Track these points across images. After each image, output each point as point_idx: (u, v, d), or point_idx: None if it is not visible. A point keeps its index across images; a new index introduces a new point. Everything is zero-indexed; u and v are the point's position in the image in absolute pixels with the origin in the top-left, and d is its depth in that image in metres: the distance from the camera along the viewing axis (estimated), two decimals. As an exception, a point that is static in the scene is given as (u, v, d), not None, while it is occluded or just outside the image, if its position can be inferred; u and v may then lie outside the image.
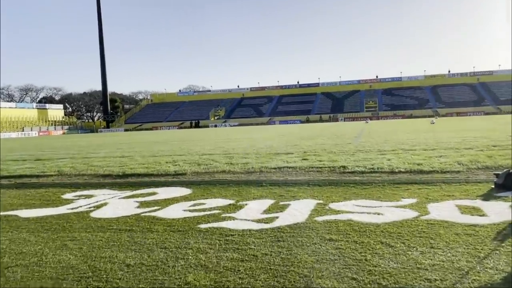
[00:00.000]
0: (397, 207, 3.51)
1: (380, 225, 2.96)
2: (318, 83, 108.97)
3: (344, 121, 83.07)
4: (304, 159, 6.46)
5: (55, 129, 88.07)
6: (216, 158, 7.37)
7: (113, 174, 6.24)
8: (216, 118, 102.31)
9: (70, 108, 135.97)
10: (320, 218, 3.24)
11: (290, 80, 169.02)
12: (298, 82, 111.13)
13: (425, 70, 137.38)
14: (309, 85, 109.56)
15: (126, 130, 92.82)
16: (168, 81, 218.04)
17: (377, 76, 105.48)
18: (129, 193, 4.95)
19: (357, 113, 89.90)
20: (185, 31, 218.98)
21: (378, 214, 3.30)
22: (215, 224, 3.21)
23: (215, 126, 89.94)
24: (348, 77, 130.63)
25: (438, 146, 7.65)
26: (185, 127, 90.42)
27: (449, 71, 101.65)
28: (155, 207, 4.01)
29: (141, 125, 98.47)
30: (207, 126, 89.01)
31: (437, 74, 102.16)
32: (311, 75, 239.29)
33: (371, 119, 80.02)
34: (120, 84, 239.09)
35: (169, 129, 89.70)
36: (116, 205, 4.27)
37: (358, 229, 2.89)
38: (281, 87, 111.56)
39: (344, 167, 5.51)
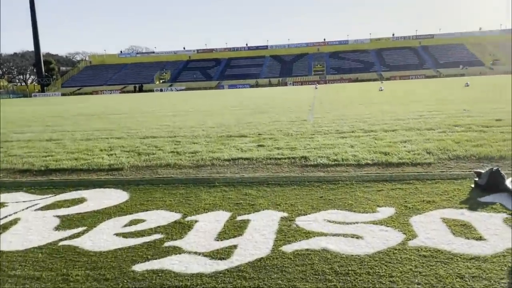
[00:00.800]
0: (375, 223, 2.96)
1: (363, 259, 2.38)
2: (267, 46, 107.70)
3: (293, 85, 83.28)
4: (260, 146, 5.79)
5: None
6: (160, 143, 6.49)
7: (33, 169, 5.20)
8: (161, 81, 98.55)
9: (0, 71, 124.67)
10: (288, 248, 2.61)
11: (239, 42, 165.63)
12: (247, 44, 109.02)
13: (370, 34, 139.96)
14: (257, 48, 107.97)
15: (63, 94, 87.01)
16: (108, 41, 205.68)
17: (324, 39, 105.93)
18: (49, 199, 4.03)
19: (305, 76, 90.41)
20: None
21: (357, 237, 2.72)
22: (155, 264, 2.47)
23: (161, 90, 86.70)
24: (297, 40, 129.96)
25: (398, 125, 7.29)
26: (128, 91, 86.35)
27: (393, 35, 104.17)
28: (79, 228, 3.17)
29: (79, 89, 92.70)
30: (151, 90, 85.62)
31: (382, 38, 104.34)
32: (260, 36, 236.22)
33: (318, 83, 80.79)
34: (55, 45, 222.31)
35: (110, 93, 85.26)
36: (30, 223, 3.37)
37: (338, 268, 2.30)
38: (230, 49, 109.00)
39: (305, 158, 4.91)
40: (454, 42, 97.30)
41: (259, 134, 6.88)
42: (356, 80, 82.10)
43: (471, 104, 10.70)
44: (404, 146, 5.26)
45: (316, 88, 35.16)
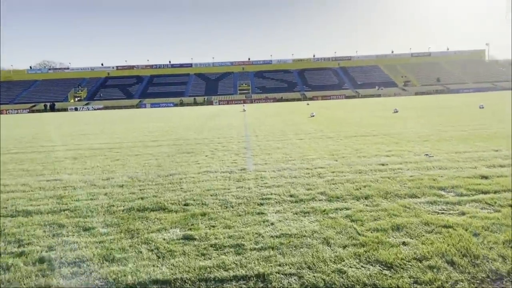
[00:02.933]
0: None
1: None
2: (191, 64, 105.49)
3: (219, 104, 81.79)
4: (189, 238, 3.75)
5: None
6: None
7: None
8: (76, 99, 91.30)
9: None
10: None
11: (161, 60, 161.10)
12: (170, 62, 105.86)
13: (293, 54, 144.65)
14: (181, 65, 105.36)
15: (-42, 114, 76.31)
16: (17, 55, 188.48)
17: (249, 58, 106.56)
18: None
19: (231, 95, 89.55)
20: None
21: None
22: None
23: (76, 109, 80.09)
24: (221, 59, 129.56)
25: (350, 169, 5.73)
26: (38, 111, 78.47)
27: (314, 56, 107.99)
28: None
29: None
30: (65, 109, 78.72)
31: (303, 58, 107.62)
32: (183, 55, 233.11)
33: (245, 102, 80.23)
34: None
35: (17, 112, 76.77)
36: None
37: None
38: (152, 66, 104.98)
39: (262, 277, 2.97)
40: (370, 64, 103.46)
41: (185, 205, 4.81)
42: (281, 100, 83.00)
43: (426, 143, 9.60)
44: (365, 205, 3.56)
45: (245, 110, 33.64)
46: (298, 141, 10.70)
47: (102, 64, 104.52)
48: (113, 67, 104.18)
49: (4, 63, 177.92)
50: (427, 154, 7.56)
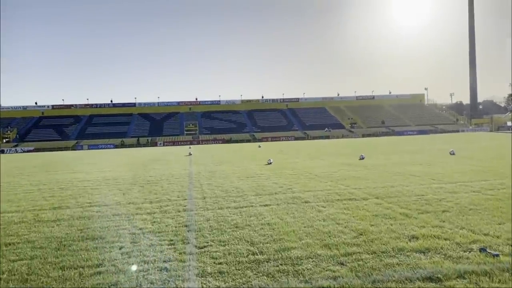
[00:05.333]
0: None
1: None
2: (134, 103, 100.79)
3: (164, 145, 77.27)
4: None
5: None
6: None
7: None
8: (4, 141, 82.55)
9: None
10: None
11: (102, 99, 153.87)
12: (111, 101, 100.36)
13: (241, 95, 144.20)
14: (124, 105, 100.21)
15: None
16: None
17: (196, 99, 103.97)
18: None
19: (177, 136, 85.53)
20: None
21: None
22: None
23: (2, 151, 71.75)
24: (167, 98, 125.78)
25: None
26: (-46, 154, 69.16)
27: (262, 97, 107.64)
28: None
29: None
30: (-11, 152, 70.11)
31: (252, 99, 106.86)
32: (126, 94, 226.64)
33: (191, 143, 76.40)
34: None
35: None
36: None
37: None
38: (91, 105, 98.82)
39: None
40: (317, 106, 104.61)
41: None
42: (230, 141, 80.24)
43: (446, 213, 6.76)
44: None
45: (191, 154, 30.07)
46: (263, 209, 7.43)
47: (36, 103, 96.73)
48: (48, 106, 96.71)
49: None
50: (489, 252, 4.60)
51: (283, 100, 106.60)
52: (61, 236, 5.88)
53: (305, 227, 5.95)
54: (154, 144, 78.28)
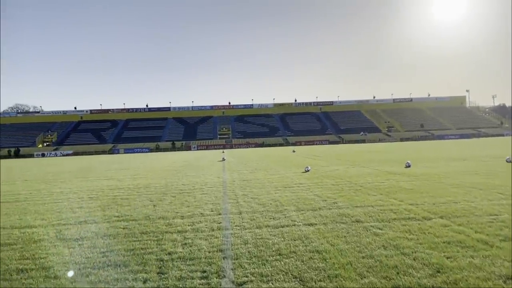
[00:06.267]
0: None
1: None
2: (169, 107, 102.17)
3: (197, 149, 77.59)
4: None
5: None
6: None
7: None
8: (45, 144, 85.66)
9: None
10: None
11: (138, 104, 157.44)
12: (147, 106, 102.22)
13: (274, 99, 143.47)
14: (159, 109, 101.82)
15: None
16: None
17: (229, 103, 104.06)
18: None
19: (210, 140, 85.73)
20: (11, 41, 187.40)
21: None
22: None
23: (43, 155, 74.42)
24: (201, 103, 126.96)
25: None
26: (1, 157, 72.32)
27: (295, 100, 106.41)
28: None
29: None
30: (31, 155, 72.95)
31: (285, 103, 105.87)
32: (161, 99, 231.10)
33: (224, 147, 76.25)
34: None
35: (-24, 159, 70.33)
36: None
37: None
38: (128, 110, 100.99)
39: None
40: (352, 109, 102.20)
41: None
42: (262, 145, 79.56)
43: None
44: None
45: (224, 159, 29.44)
46: (308, 230, 6.47)
47: (75, 108, 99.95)
48: (86, 111, 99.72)
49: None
50: None
51: (317, 104, 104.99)
52: (80, 261, 5.15)
53: (363, 257, 4.94)
54: (188, 148, 78.79)
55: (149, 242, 6.01)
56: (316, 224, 6.86)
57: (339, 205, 8.54)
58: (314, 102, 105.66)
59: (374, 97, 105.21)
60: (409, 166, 17.01)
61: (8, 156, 72.59)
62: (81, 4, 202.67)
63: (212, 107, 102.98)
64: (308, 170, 16.91)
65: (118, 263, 5.02)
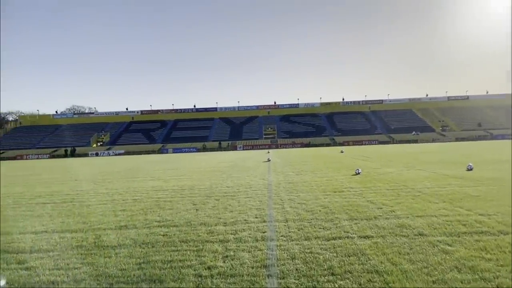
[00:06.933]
0: None
1: None
2: (216, 108, 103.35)
3: (243, 149, 77.76)
4: None
5: None
6: None
7: None
8: (99, 144, 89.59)
9: None
10: None
11: (186, 104, 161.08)
12: (194, 106, 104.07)
13: (321, 98, 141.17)
14: (206, 110, 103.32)
15: (-22, 159, 75.36)
16: (47, 100, 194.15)
17: (275, 102, 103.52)
18: None
19: (256, 140, 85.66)
20: (66, 44, 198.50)
21: None
22: None
23: (96, 154, 77.78)
24: (247, 103, 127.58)
25: None
26: (58, 156, 76.57)
27: (343, 99, 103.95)
28: None
29: (2, 152, 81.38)
30: (86, 154, 76.47)
31: (332, 102, 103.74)
32: (208, 99, 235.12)
33: (270, 147, 75.83)
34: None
35: (38, 158, 74.99)
36: None
37: None
38: (176, 110, 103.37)
39: None
40: (403, 108, 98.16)
41: None
42: (309, 145, 78.29)
43: None
44: None
45: (269, 160, 28.88)
46: (364, 244, 5.74)
47: (127, 109, 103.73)
48: (137, 112, 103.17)
49: (29, 108, 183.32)
50: None
51: (366, 102, 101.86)
52: (113, 273, 4.78)
53: (433, 281, 4.17)
54: (234, 148, 79.18)
55: (188, 252, 5.56)
56: (372, 236, 6.11)
57: (397, 214, 7.68)
58: (362, 101, 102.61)
59: (427, 95, 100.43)
60: (471, 169, 15.57)
61: (65, 155, 76.57)
62: (145, 3, 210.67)
63: (257, 107, 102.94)
64: (359, 173, 15.95)
65: (153, 278, 4.59)
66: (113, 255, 5.51)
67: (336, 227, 6.77)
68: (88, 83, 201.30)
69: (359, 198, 9.74)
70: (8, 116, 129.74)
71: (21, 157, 75.80)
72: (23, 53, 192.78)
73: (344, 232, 6.43)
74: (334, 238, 6.07)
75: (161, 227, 7.30)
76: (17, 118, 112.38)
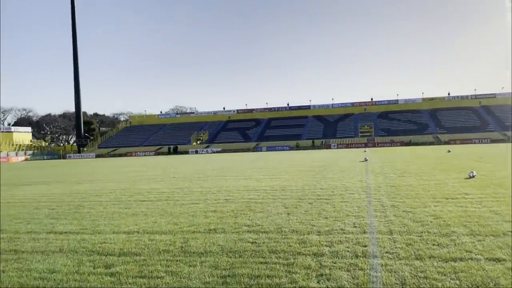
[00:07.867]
0: None
1: None
2: (309, 106, 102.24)
3: (337, 147, 75.64)
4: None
5: (16, 154, 79.36)
6: None
7: None
8: (198, 142, 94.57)
9: (47, 131, 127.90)
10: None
11: (279, 103, 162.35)
12: (288, 105, 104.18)
13: (423, 93, 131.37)
14: (299, 108, 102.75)
15: (98, 155, 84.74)
16: (154, 102, 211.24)
17: (372, 99, 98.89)
18: None
19: (351, 138, 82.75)
20: (171, 49, 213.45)
21: None
22: None
23: (196, 152, 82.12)
24: (341, 100, 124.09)
25: None
26: (162, 153, 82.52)
27: (448, 94, 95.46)
28: None
29: (115, 149, 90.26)
30: (186, 152, 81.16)
31: (436, 97, 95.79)
32: (302, 97, 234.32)
33: (366, 146, 72.47)
34: (103, 105, 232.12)
35: (144, 155, 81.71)
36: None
37: None
38: (270, 109, 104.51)
39: None
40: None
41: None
42: (409, 143, 73.18)
43: None
44: None
45: (366, 160, 27.20)
46: (495, 268, 4.58)
47: (224, 108, 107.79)
48: (233, 111, 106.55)
49: (145, 109, 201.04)
50: None
51: (475, 97, 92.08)
52: (196, 286, 4.36)
53: None
54: (328, 147, 77.44)
55: (277, 266, 4.96)
56: (504, 260, 4.88)
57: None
58: (472, 95, 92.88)
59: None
60: None
61: (168, 153, 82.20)
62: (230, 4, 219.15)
63: (352, 104, 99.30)
64: (473, 176, 13.94)
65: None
66: (198, 264, 5.14)
67: (455, 245, 5.61)
68: (190, 83, 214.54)
69: (478, 208, 8.25)
70: (120, 116, 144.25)
71: (130, 154, 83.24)
72: (137, 57, 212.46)
73: (466, 252, 5.27)
74: (453, 259, 4.97)
75: (250, 232, 6.84)
76: (127, 118, 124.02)
